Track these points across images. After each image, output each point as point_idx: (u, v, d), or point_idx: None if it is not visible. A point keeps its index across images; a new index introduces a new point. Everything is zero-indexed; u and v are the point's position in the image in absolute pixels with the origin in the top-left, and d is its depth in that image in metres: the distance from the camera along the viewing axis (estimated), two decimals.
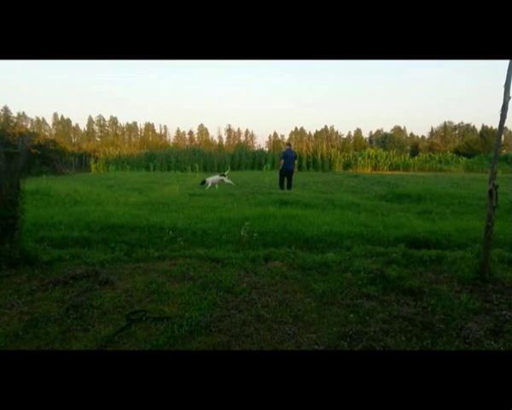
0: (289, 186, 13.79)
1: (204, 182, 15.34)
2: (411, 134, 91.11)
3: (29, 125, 65.05)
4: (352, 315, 3.26)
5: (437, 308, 3.40)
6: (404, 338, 2.88)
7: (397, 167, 39.48)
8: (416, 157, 43.89)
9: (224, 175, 16.61)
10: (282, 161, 13.69)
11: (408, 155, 45.99)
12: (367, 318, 3.20)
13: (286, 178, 13.90)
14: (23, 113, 70.65)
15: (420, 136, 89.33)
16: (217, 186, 14.99)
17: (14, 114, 55.78)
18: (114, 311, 3.32)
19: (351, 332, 2.93)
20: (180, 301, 3.54)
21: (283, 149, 15.02)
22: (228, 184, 15.84)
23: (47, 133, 63.28)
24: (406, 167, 39.66)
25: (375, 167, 38.84)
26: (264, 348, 2.73)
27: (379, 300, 3.59)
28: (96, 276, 4.08)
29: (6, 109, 58.09)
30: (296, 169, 14.84)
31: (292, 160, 13.86)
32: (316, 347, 2.75)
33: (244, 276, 4.25)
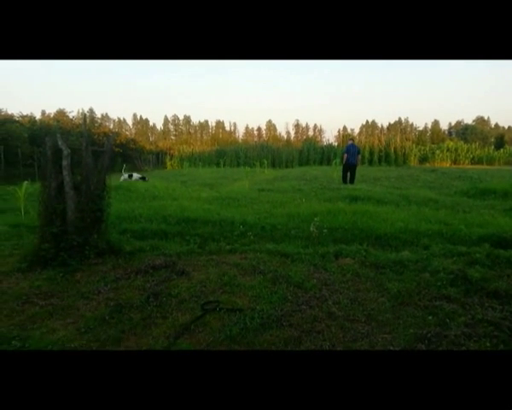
0: (352, 181, 13.86)
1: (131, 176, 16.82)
2: (496, 125, 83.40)
3: (111, 126, 70.34)
4: (430, 317, 3.09)
5: None
6: (488, 344, 2.66)
7: (479, 161, 36.58)
8: (502, 150, 40.28)
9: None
10: (345, 155, 13.90)
11: (492, 147, 42.38)
12: (447, 320, 3.01)
13: (349, 173, 14.02)
14: (106, 114, 76.54)
15: (506, 127, 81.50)
16: None
17: (99, 115, 60.60)
18: (190, 300, 3.49)
19: (429, 335, 2.77)
20: (251, 293, 3.61)
21: (346, 144, 15.15)
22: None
23: (127, 133, 67.97)
24: (490, 161, 36.58)
25: (454, 161, 36.35)
26: (336, 346, 2.70)
27: (460, 302, 3.35)
28: (174, 266, 4.31)
29: (91, 111, 63.38)
30: (360, 163, 15.07)
31: (355, 154, 13.98)
32: (391, 347, 2.66)
33: (314, 272, 4.22)
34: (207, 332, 2.90)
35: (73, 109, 46.13)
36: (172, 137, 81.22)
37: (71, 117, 34.18)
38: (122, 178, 16.64)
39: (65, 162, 4.67)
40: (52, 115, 42.55)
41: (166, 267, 4.29)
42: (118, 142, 29.91)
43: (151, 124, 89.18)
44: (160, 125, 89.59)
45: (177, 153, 39.11)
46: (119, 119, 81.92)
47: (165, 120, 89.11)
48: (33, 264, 4.38)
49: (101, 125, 40.16)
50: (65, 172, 4.67)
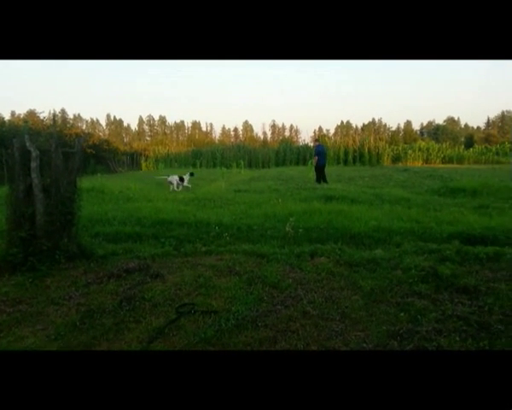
0: (325, 179, 14.25)
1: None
2: (466, 125, 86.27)
3: (84, 126, 68.75)
4: (402, 314, 3.15)
5: (494, 308, 3.19)
6: (458, 338, 2.74)
7: (450, 160, 37.71)
8: (471, 149, 41.73)
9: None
10: (317, 157, 14.33)
11: (462, 147, 43.77)
12: (418, 317, 3.07)
13: (321, 173, 14.50)
14: (78, 114, 74.87)
15: (475, 127, 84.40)
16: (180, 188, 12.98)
17: (71, 116, 59.14)
18: (165, 303, 3.44)
19: (401, 331, 2.83)
20: (227, 295, 3.60)
21: (314, 146, 16.09)
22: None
23: (101, 134, 66.58)
24: (460, 160, 37.77)
25: (426, 161, 37.32)
26: (310, 345, 2.71)
27: (431, 298, 3.43)
28: (148, 269, 4.24)
29: (63, 112, 61.75)
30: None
31: (324, 155, 14.74)
32: (364, 345, 2.69)
33: (289, 272, 4.24)
34: (182, 335, 2.86)
35: (45, 110, 44.78)
36: (147, 138, 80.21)
37: (42, 118, 33.21)
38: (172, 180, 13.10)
39: (33, 164, 4.52)
40: (22, 116, 41.16)
41: (140, 270, 4.21)
42: (90, 143, 29.25)
43: (125, 124, 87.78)
44: (134, 126, 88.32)
45: (152, 154, 38.60)
46: (92, 119, 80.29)
47: (140, 120, 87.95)
48: (1, 269, 4.22)
49: (73, 125, 39.22)
50: (33, 175, 4.52)
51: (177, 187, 12.76)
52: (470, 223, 6.11)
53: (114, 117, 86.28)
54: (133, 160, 37.18)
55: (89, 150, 27.40)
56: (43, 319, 3.19)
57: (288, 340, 2.79)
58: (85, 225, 5.99)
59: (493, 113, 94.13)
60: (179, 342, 2.78)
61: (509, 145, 42.77)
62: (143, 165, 36.47)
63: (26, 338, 2.86)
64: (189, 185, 13.32)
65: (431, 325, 2.93)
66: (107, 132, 79.30)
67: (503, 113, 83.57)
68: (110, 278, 4.05)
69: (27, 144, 4.55)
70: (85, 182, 7.12)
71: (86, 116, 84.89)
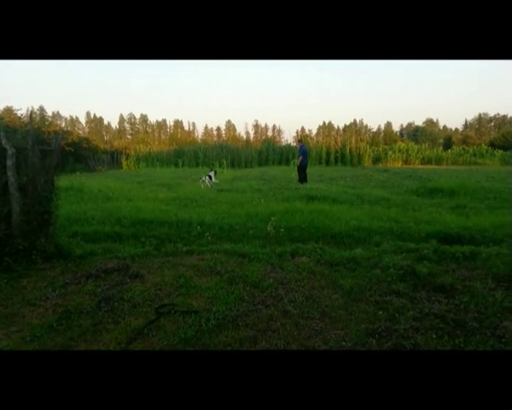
0: (306, 179, 14.51)
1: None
2: (444, 127, 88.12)
3: (63, 124, 67.25)
4: (380, 312, 3.20)
5: (470, 306, 3.28)
6: (434, 336, 2.80)
7: (429, 161, 38.41)
8: (450, 150, 42.58)
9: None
10: (301, 157, 14.62)
11: (441, 148, 44.72)
12: (396, 315, 3.13)
13: (303, 173, 14.75)
14: (57, 112, 73.20)
15: (453, 128, 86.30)
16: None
17: (49, 114, 57.84)
18: (144, 304, 3.40)
19: (379, 329, 2.87)
20: (207, 295, 3.58)
21: (298, 146, 16.18)
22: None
23: (80, 131, 65.25)
24: (439, 161, 38.51)
25: (406, 161, 37.93)
26: (290, 344, 2.72)
27: (409, 297, 3.50)
28: (127, 270, 4.18)
29: (41, 109, 60.28)
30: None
31: (307, 154, 15.15)
32: (343, 343, 2.72)
33: (271, 271, 4.25)
34: (161, 336, 2.84)
35: (22, 107, 43.67)
36: (128, 137, 79.02)
37: (19, 115, 32.31)
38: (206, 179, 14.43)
39: (9, 162, 4.41)
40: None
41: (119, 271, 4.15)
42: (69, 141, 28.59)
43: (106, 122, 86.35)
44: (115, 124, 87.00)
45: (133, 153, 38.06)
46: (71, 117, 78.61)
47: (121, 118, 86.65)
48: None
49: (51, 123, 38.29)
50: (9, 173, 4.41)
51: (210, 184, 14.27)
52: (447, 223, 6.26)
53: (94, 115, 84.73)
54: (114, 158, 36.60)
55: (67, 148, 26.81)
56: (18, 321, 3.12)
57: (269, 339, 2.79)
58: (63, 225, 5.87)
59: (471, 115, 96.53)
60: (158, 342, 2.75)
61: (485, 147, 43.92)
62: (124, 163, 35.92)
63: (0, 341, 2.79)
64: (217, 181, 15.07)
65: (408, 323, 2.98)
66: (86, 130, 77.77)
67: (479, 115, 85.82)
68: (88, 278, 3.98)
69: (3, 142, 4.44)
70: (64, 180, 6.98)
71: (65, 114, 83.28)
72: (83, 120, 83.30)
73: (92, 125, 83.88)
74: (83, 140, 33.37)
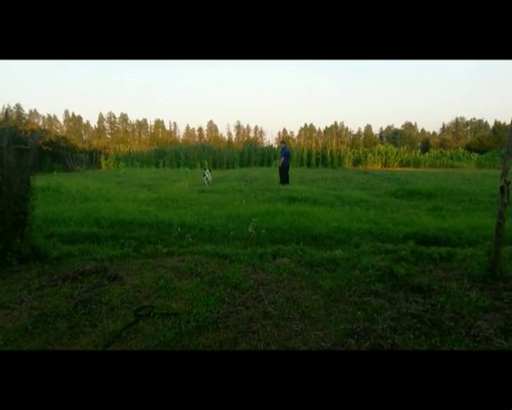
0: (288, 180, 14.56)
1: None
2: (422, 130, 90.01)
3: (40, 123, 65.66)
4: (359, 312, 3.24)
5: (446, 306, 3.36)
6: (412, 336, 2.85)
7: (407, 164, 39.09)
8: (427, 153, 43.49)
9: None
10: (283, 158, 14.64)
11: (419, 151, 45.60)
12: (375, 315, 3.18)
13: (285, 174, 14.79)
14: (35, 110, 71.44)
15: (431, 132, 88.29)
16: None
17: (26, 112, 56.38)
18: (122, 306, 3.35)
19: (358, 330, 2.91)
20: (188, 297, 3.55)
21: (281, 148, 16.28)
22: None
23: (58, 130, 63.92)
24: (417, 164, 39.24)
25: (385, 164, 38.48)
26: (270, 345, 2.73)
27: (387, 297, 3.56)
28: (105, 272, 4.11)
29: (18, 107, 58.70)
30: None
31: (289, 156, 15.27)
32: (323, 344, 2.74)
33: (252, 272, 4.25)
34: (140, 339, 2.80)
35: None
36: (108, 136, 77.74)
37: None
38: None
39: None
40: None
41: (97, 273, 4.08)
42: (47, 140, 27.91)
43: (84, 121, 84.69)
44: (94, 123, 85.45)
45: (112, 152, 37.41)
46: (49, 115, 76.82)
47: (100, 117, 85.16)
48: None
49: (28, 121, 37.36)
50: None
51: (209, 181, 15.82)
52: (425, 224, 6.38)
53: (73, 113, 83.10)
54: (92, 158, 35.90)
55: (45, 147, 26.16)
56: None
57: (249, 341, 2.79)
58: (39, 226, 5.74)
59: (448, 119, 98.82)
60: (137, 345, 2.72)
61: (462, 150, 45.03)
62: (103, 163, 35.26)
63: None
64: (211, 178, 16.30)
65: (386, 323, 3.03)
66: (65, 129, 76.19)
67: (457, 119, 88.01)
68: (65, 280, 3.90)
69: None
70: (40, 180, 6.82)
71: (43, 112, 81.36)
72: (61, 118, 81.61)
73: (71, 123, 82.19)
74: (61, 139, 32.63)
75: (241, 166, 35.13)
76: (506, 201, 3.91)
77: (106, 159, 36.00)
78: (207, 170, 16.71)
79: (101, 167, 34.55)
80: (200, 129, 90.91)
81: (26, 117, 43.24)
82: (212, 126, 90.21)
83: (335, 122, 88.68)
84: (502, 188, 3.90)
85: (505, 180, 3.88)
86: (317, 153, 35.60)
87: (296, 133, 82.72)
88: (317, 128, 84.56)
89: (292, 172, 15.99)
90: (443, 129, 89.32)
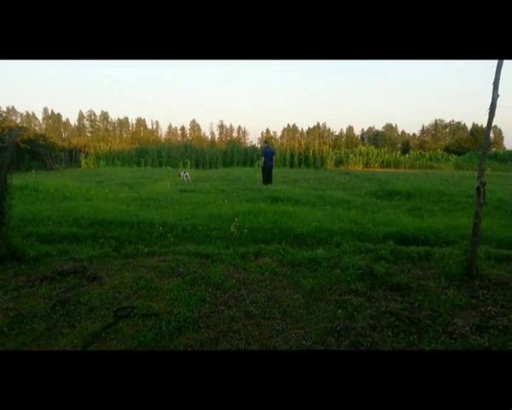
0: (270, 180, 14.53)
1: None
2: (402, 132, 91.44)
3: (18, 120, 63.98)
4: (339, 311, 3.28)
5: (424, 304, 3.43)
6: (390, 334, 2.90)
7: (388, 165, 39.67)
8: (407, 155, 44.16)
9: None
10: (263, 158, 14.58)
11: (399, 152, 46.28)
12: (355, 313, 3.22)
13: (267, 174, 14.74)
14: (12, 107, 69.57)
15: (411, 133, 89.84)
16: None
17: (3, 109, 54.91)
18: (102, 307, 3.30)
19: (338, 328, 2.95)
20: (169, 297, 3.53)
21: (262, 148, 16.24)
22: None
23: (37, 128, 62.37)
24: (397, 165, 39.85)
25: (366, 165, 38.95)
26: (251, 344, 2.73)
27: (367, 296, 3.61)
28: (84, 272, 4.04)
29: None
30: (275, 164, 16.47)
31: (271, 156, 15.01)
32: (303, 342, 2.77)
33: (234, 272, 4.25)
34: (119, 339, 2.77)
35: None
36: (88, 134, 76.35)
37: None
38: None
39: None
40: None
41: (76, 273, 4.01)
42: (25, 137, 27.20)
43: (64, 119, 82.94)
44: (74, 121, 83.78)
45: (92, 151, 36.74)
46: (27, 113, 74.94)
47: (80, 115, 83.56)
48: None
49: (5, 119, 36.33)
50: None
51: (189, 180, 16.09)
52: (404, 224, 6.50)
53: (52, 111, 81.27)
54: (72, 156, 35.18)
55: (23, 145, 25.50)
56: None
57: (230, 340, 2.79)
58: (17, 225, 5.60)
59: (427, 121, 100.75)
60: (116, 346, 2.68)
61: (440, 152, 45.96)
62: (83, 162, 34.58)
63: None
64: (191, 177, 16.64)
65: (366, 321, 3.08)
66: (43, 127, 74.43)
67: (436, 121, 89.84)
68: (43, 281, 3.82)
69: None
70: (18, 179, 6.66)
71: (21, 109, 79.30)
72: (40, 116, 79.74)
73: (49, 121, 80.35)
74: (39, 137, 31.84)
75: (224, 165, 35.03)
76: (482, 201, 4.02)
77: (86, 157, 35.32)
78: (183, 171, 17.26)
79: (81, 166, 33.89)
80: (182, 128, 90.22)
81: (4, 114, 42.05)
82: (194, 126, 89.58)
83: (318, 123, 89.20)
84: (478, 189, 4.01)
85: (481, 181, 3.99)
86: (300, 153, 35.77)
87: (279, 133, 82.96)
88: (299, 129, 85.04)
89: (274, 172, 16.03)
90: (422, 131, 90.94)
